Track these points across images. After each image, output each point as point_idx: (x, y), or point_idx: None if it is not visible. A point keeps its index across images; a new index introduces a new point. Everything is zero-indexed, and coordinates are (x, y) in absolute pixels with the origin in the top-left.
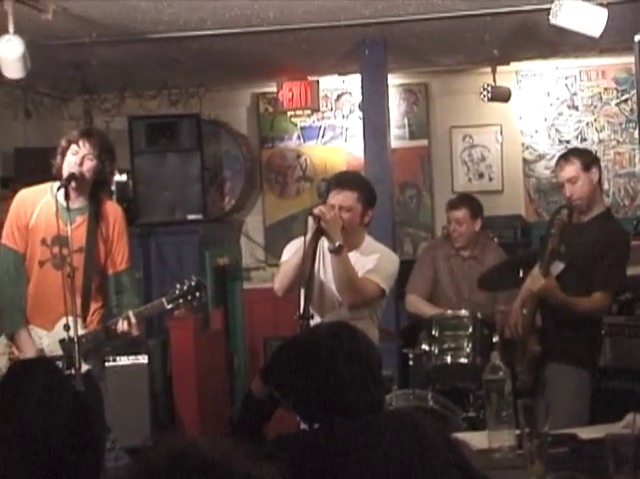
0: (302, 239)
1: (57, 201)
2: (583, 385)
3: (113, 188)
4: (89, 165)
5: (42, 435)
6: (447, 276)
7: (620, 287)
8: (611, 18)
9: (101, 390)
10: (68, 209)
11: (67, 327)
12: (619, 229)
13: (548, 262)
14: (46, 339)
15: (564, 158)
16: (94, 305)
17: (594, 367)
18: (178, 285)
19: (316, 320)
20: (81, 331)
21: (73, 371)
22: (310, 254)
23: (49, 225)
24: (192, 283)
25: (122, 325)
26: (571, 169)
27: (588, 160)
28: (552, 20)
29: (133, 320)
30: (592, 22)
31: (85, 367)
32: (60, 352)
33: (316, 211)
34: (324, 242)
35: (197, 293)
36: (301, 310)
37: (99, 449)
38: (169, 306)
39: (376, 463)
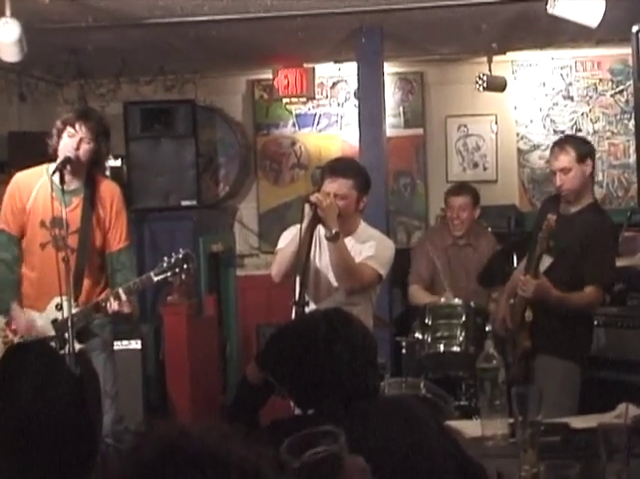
0: (298, 226)
1: (53, 182)
2: (572, 378)
3: (107, 172)
4: (85, 148)
5: (39, 419)
6: (443, 266)
7: (611, 280)
8: (608, 8)
9: (96, 372)
10: (63, 191)
11: (59, 307)
12: (608, 220)
13: (537, 265)
14: (39, 321)
15: (560, 146)
16: (96, 287)
17: (584, 360)
18: (166, 258)
19: (311, 307)
20: (73, 311)
21: (66, 351)
22: (306, 242)
23: (46, 207)
24: (180, 256)
25: (112, 304)
26: (565, 159)
27: (584, 151)
28: (550, 9)
29: (123, 297)
30: (590, 12)
31: (77, 347)
32: (52, 333)
33: (313, 198)
34: (320, 230)
35: (185, 265)
36: (296, 297)
37: (95, 432)
38: (157, 279)
39: (372, 449)
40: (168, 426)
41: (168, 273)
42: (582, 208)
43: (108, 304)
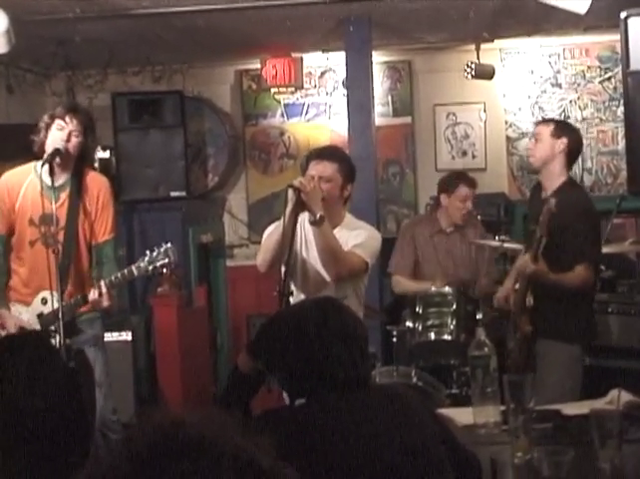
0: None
1: (41, 180)
2: (574, 361)
3: (96, 164)
4: (75, 141)
5: (33, 410)
6: (430, 254)
7: (598, 255)
8: None
9: (90, 364)
10: (52, 186)
11: (44, 301)
12: (581, 196)
13: (537, 248)
14: (25, 315)
15: (545, 119)
16: (83, 281)
17: (586, 343)
18: (148, 252)
19: (297, 298)
20: (58, 305)
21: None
22: (290, 228)
23: (35, 204)
24: (161, 250)
25: (93, 295)
26: (540, 128)
27: (562, 129)
28: None
29: (103, 290)
30: None
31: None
32: (38, 327)
33: (296, 182)
34: (305, 223)
35: (167, 259)
36: (280, 286)
37: (89, 423)
38: (138, 272)
39: (363, 438)
40: (162, 416)
41: (150, 267)
42: (556, 189)
43: (89, 296)
